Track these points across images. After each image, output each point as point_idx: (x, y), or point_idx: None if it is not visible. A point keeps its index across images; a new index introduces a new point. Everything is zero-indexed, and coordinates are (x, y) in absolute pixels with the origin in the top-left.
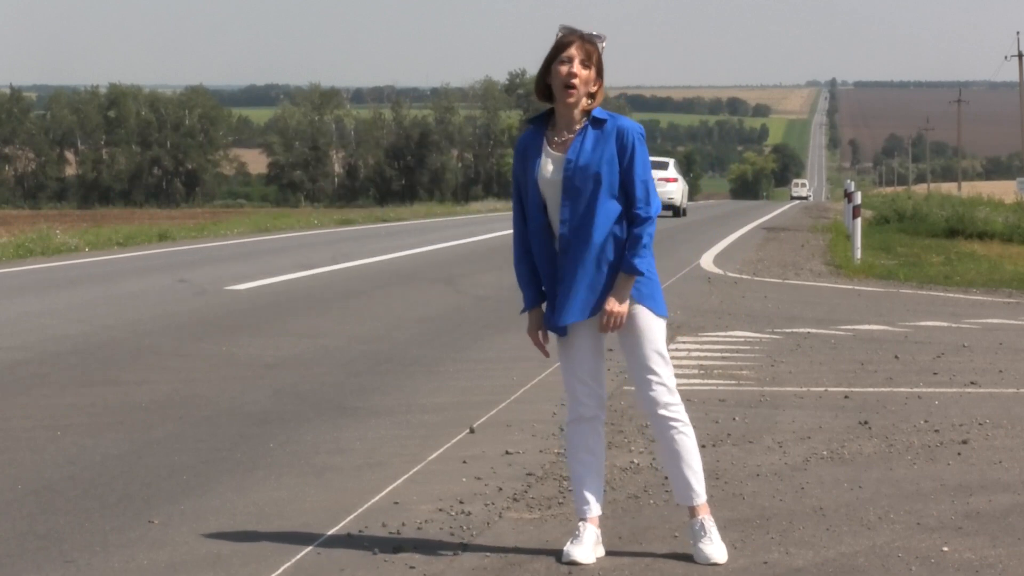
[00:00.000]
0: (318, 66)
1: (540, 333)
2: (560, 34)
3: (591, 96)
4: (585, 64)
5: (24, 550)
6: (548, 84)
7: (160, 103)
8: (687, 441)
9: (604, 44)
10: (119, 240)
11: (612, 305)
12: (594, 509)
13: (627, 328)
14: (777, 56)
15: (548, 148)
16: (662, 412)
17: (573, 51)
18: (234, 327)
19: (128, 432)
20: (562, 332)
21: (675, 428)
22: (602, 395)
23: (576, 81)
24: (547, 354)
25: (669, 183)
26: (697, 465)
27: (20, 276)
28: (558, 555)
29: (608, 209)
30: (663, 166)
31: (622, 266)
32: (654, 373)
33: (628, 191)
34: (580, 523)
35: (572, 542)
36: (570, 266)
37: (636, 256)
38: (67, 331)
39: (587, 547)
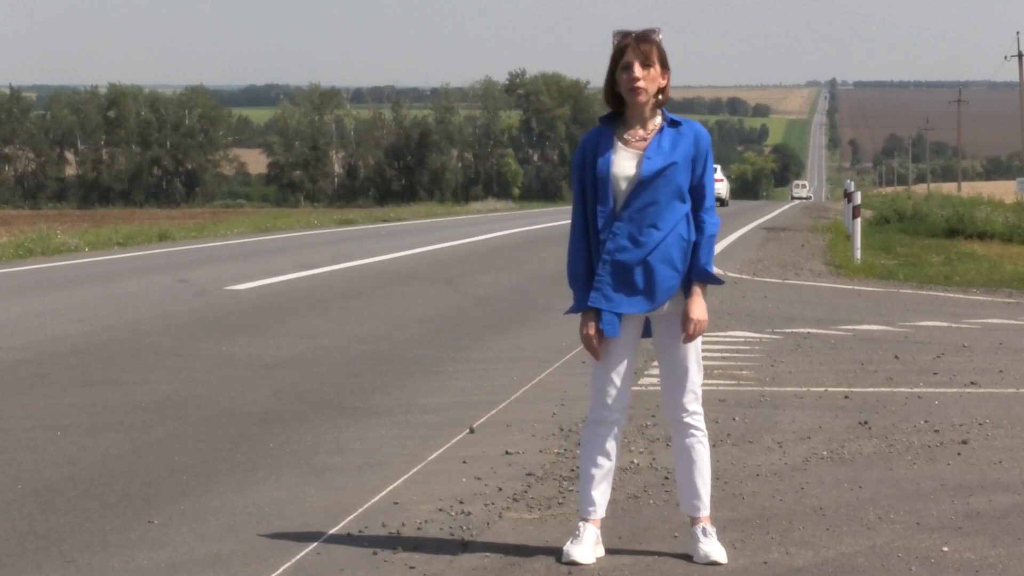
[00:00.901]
0: (318, 66)
1: (596, 335)
2: (615, 41)
3: (660, 91)
4: (645, 64)
5: (24, 550)
6: (616, 91)
7: (160, 103)
8: (703, 452)
9: (660, 36)
10: (119, 240)
11: (697, 314)
12: (599, 512)
13: (672, 329)
14: (777, 56)
15: (622, 146)
16: (686, 419)
17: (630, 56)
18: (234, 327)
19: (128, 432)
20: (613, 331)
21: (695, 436)
22: (627, 399)
23: (640, 84)
24: (599, 356)
25: (718, 182)
26: (708, 477)
27: (20, 276)
28: (558, 555)
29: (676, 209)
30: (713, 170)
31: (697, 274)
32: (688, 379)
33: (699, 196)
34: (581, 523)
35: (572, 542)
36: (633, 261)
37: (709, 264)
38: (67, 331)
39: (587, 547)
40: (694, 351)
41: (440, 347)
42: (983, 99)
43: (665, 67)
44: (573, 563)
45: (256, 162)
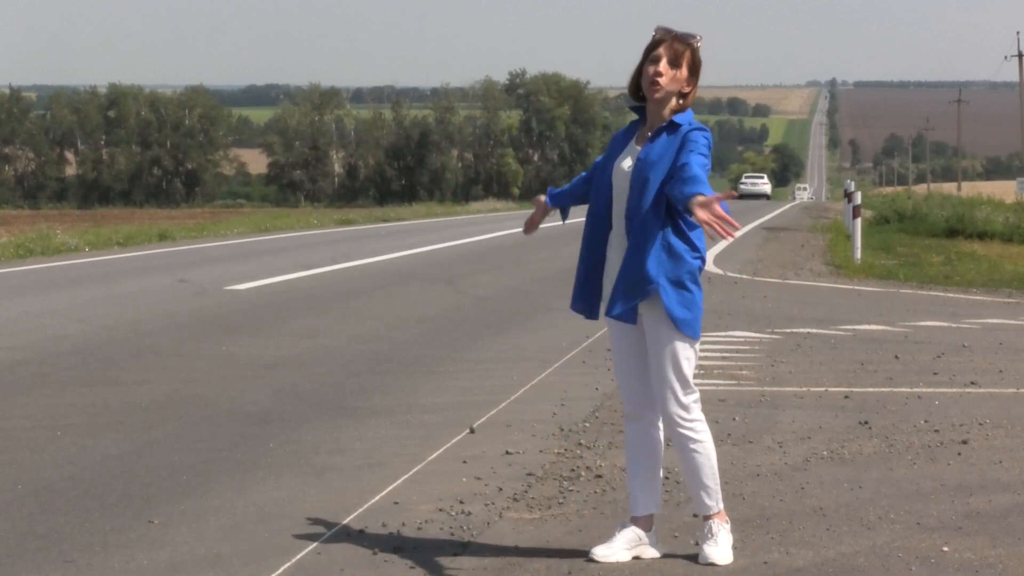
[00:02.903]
0: (318, 66)
1: (540, 213)
2: (655, 35)
3: (683, 96)
4: (673, 63)
5: (24, 550)
6: (640, 84)
7: (160, 103)
8: (700, 459)
9: (700, 43)
10: (119, 240)
11: (701, 199)
12: (640, 508)
13: (651, 337)
14: (777, 56)
15: (633, 143)
16: (676, 429)
17: (661, 51)
18: (234, 327)
19: (128, 432)
20: (593, 315)
21: (689, 447)
22: (644, 397)
23: (661, 80)
24: (528, 231)
25: (764, 185)
26: (711, 481)
27: (20, 276)
28: (559, 553)
29: (658, 211)
30: (760, 176)
31: (689, 191)
32: (669, 387)
33: (680, 174)
34: (621, 523)
35: (605, 542)
36: (617, 260)
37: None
38: (67, 331)
39: (614, 547)
40: (675, 362)
41: (440, 347)
42: (983, 99)
43: (694, 74)
44: (591, 560)
45: (256, 162)
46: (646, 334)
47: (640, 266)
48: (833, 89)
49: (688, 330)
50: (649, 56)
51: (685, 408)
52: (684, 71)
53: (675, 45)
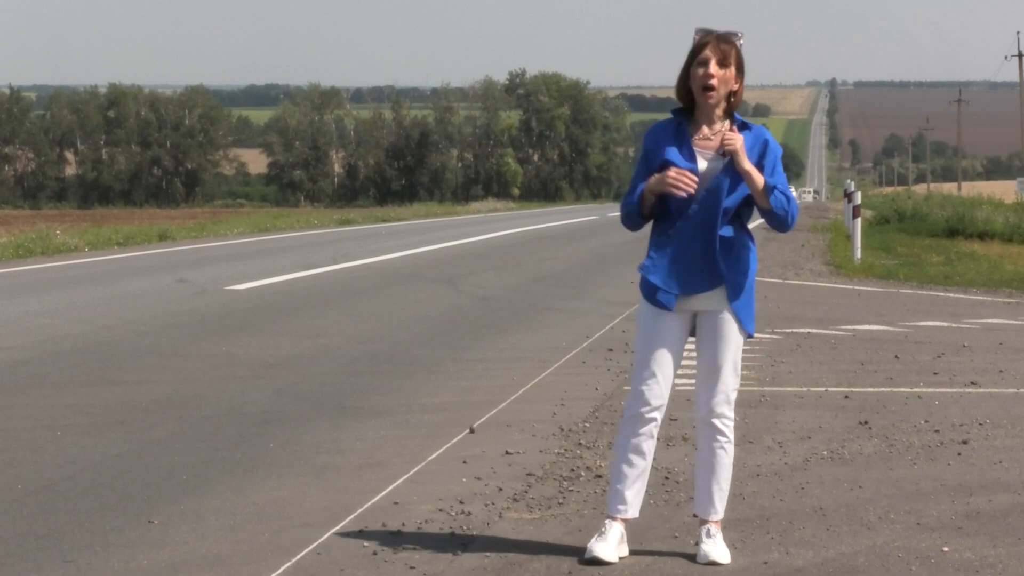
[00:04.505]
0: (318, 66)
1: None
2: (696, 37)
3: (732, 94)
4: (722, 64)
5: (24, 550)
6: (688, 87)
7: (160, 103)
8: (726, 458)
9: (742, 41)
10: (119, 240)
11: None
12: (630, 511)
13: (711, 332)
14: (777, 56)
15: (694, 144)
16: (715, 421)
17: (708, 53)
18: (234, 327)
19: (128, 432)
20: (670, 305)
21: (719, 442)
22: (666, 397)
23: (714, 82)
24: (686, 180)
25: None
26: (727, 484)
27: (20, 276)
28: (572, 553)
29: (732, 211)
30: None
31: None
32: (723, 382)
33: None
34: (607, 521)
35: (596, 538)
36: (684, 253)
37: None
38: (67, 331)
39: (611, 545)
40: (733, 356)
41: (440, 347)
42: (983, 99)
43: (740, 72)
44: (596, 560)
45: (256, 162)
46: (706, 329)
47: (718, 261)
48: (833, 89)
49: (749, 326)
50: (696, 59)
51: (730, 406)
52: (732, 70)
53: (721, 46)
